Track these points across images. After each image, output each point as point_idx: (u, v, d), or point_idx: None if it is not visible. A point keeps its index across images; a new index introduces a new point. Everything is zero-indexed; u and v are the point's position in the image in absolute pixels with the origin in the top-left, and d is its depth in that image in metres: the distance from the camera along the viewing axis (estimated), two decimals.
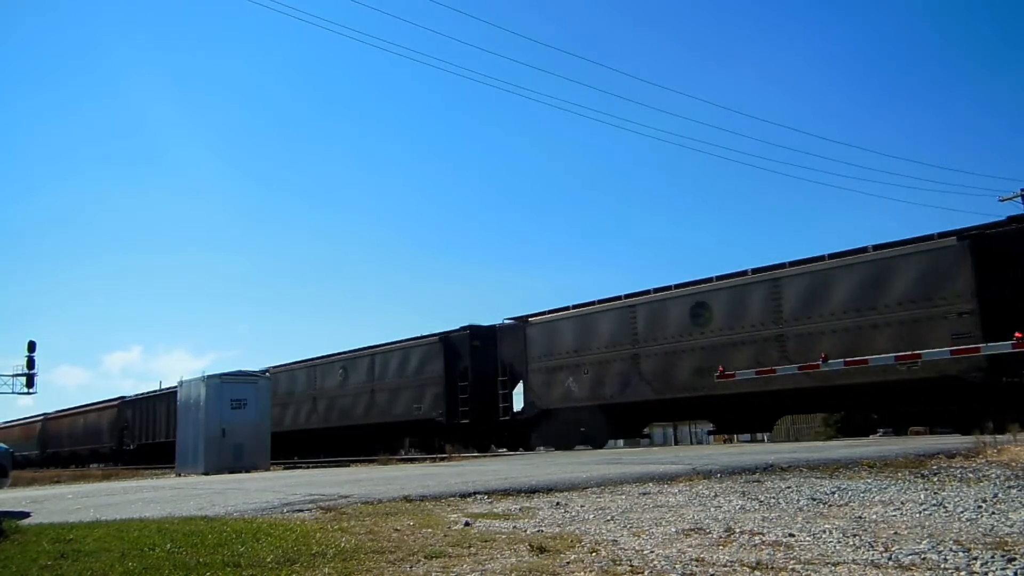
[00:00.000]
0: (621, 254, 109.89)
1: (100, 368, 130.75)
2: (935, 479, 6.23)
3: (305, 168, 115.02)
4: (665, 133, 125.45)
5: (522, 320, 21.30)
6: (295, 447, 28.26)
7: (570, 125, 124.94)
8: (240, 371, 20.99)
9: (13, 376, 42.58)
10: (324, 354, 28.35)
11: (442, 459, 17.46)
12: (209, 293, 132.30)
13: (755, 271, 16.45)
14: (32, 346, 38.24)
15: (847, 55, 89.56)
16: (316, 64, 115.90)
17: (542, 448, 20.29)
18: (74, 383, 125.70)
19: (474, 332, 22.83)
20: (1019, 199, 29.46)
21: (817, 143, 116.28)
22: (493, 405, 21.79)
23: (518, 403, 21.71)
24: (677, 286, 17.87)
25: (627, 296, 18.88)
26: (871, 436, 16.41)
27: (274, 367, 29.73)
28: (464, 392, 22.09)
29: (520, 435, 21.44)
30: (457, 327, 23.28)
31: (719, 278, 17.00)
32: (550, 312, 20.79)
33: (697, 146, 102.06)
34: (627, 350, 18.33)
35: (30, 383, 39.56)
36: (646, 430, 22.74)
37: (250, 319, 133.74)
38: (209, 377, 19.14)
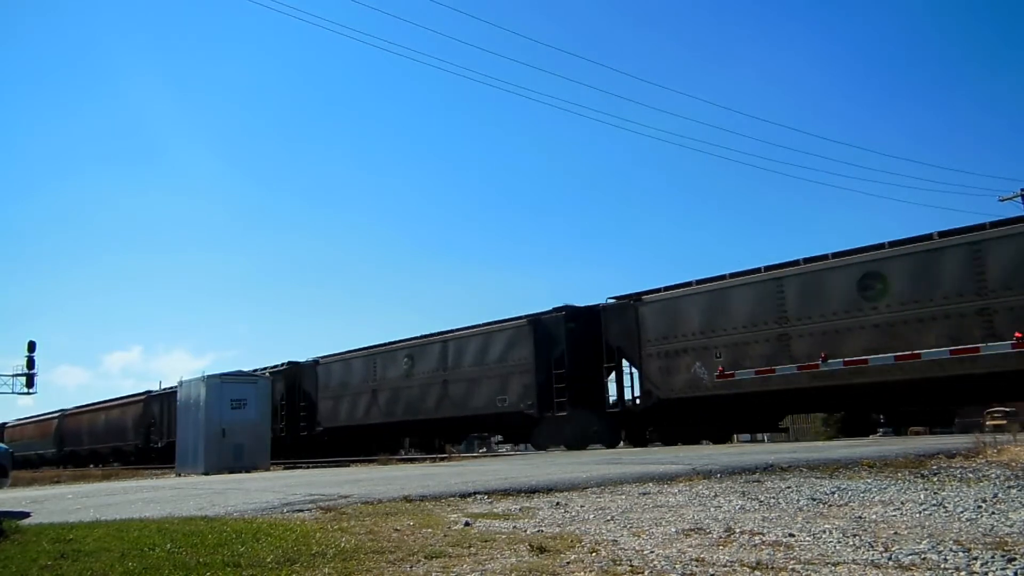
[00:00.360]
0: (621, 254, 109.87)
1: (100, 368, 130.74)
2: (935, 479, 6.23)
3: (305, 168, 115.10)
4: (665, 133, 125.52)
5: (633, 298, 18.89)
6: (351, 443, 26.10)
7: (570, 125, 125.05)
8: (240, 371, 21.03)
9: (13, 376, 42.61)
10: (385, 341, 25.88)
11: (442, 459, 17.46)
12: (209, 293, 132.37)
13: (942, 234, 14.37)
14: (32, 346, 38.27)
15: (847, 55, 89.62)
16: (316, 64, 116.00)
17: (657, 444, 18.41)
18: (74, 383, 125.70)
19: (570, 313, 20.33)
20: (1019, 199, 29.49)
21: (817, 143, 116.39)
22: (594, 395, 19.69)
23: (628, 392, 19.58)
24: (836, 255, 15.71)
25: (769, 268, 16.56)
26: (871, 436, 16.43)
27: (324, 356, 27.86)
28: (560, 381, 19.50)
29: (632, 429, 19.45)
30: (549, 308, 20.95)
31: (893, 244, 14.95)
32: (668, 289, 18.42)
33: (697, 146, 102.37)
34: (772, 329, 15.99)
35: (30, 383, 39.56)
36: (783, 423, 20.33)
37: (250, 319, 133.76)
38: (209, 377, 19.16)
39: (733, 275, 17.19)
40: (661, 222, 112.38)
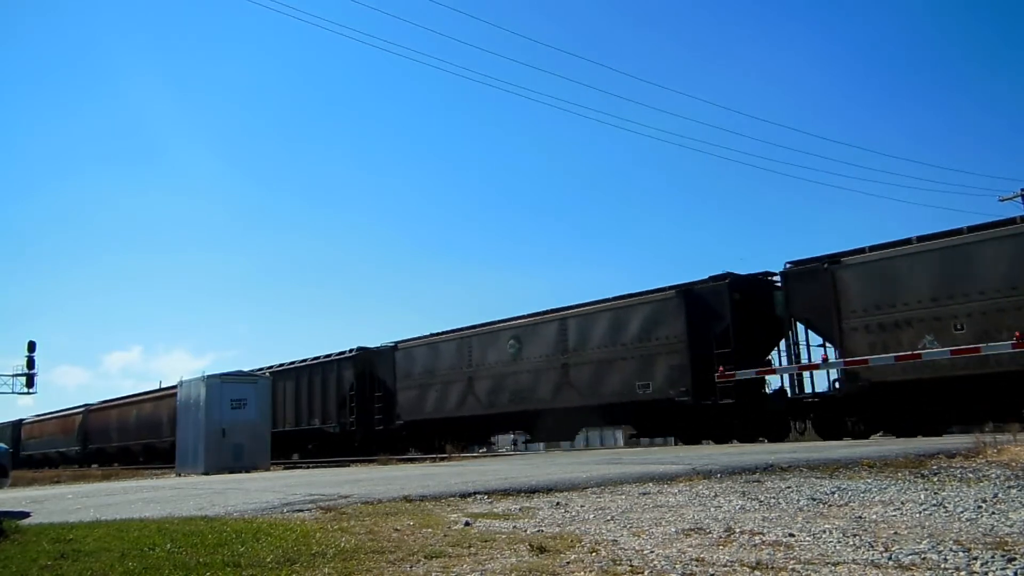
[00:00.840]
0: (621, 254, 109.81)
1: (100, 368, 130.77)
2: (935, 479, 6.23)
3: (305, 168, 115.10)
4: (665, 133, 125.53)
5: (827, 261, 16.09)
6: (438, 437, 23.20)
7: (570, 125, 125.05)
8: (240, 371, 21.04)
9: (13, 376, 42.73)
10: (482, 322, 22.30)
11: (442, 459, 17.46)
12: (209, 293, 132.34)
13: None
14: (32, 346, 38.42)
15: (847, 55, 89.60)
16: (316, 64, 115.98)
17: (847, 437, 15.67)
18: (74, 383, 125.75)
19: (735, 281, 17.35)
20: (1019, 199, 29.49)
21: (818, 143, 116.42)
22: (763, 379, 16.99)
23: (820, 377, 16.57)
24: None
25: None
26: (871, 436, 16.39)
27: (403, 341, 24.93)
28: (727, 361, 16.37)
29: (825, 418, 16.50)
30: (706, 276, 17.83)
31: None
32: (876, 248, 15.46)
33: (697, 146, 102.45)
34: None
35: (30, 383, 39.71)
36: None
37: (250, 319, 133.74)
38: (209, 377, 19.17)
39: (973, 228, 14.50)
40: (661, 222, 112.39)
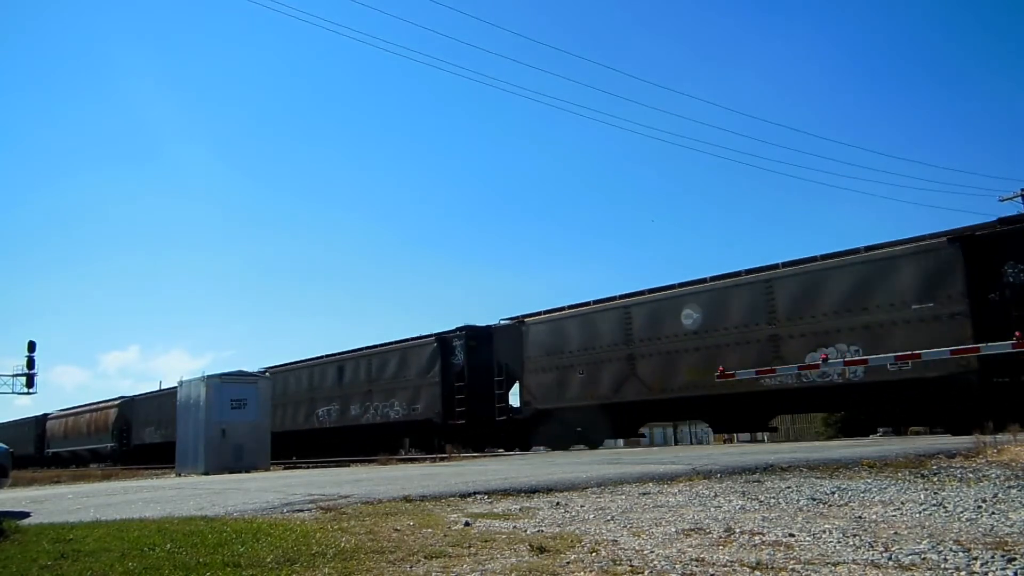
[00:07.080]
0: (621, 254, 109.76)
1: (98, 368, 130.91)
2: (935, 479, 6.23)
3: (303, 168, 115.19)
4: (665, 133, 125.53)
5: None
6: None
7: (570, 125, 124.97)
8: (240, 371, 21.01)
9: (13, 376, 42.66)
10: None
11: (442, 459, 17.45)
12: (208, 293, 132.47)
13: None
14: (32, 346, 38.38)
15: (847, 55, 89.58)
16: (315, 64, 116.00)
17: None
18: (72, 383, 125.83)
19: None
20: (1019, 199, 29.50)
21: (816, 143, 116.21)
22: None
23: None
24: None
25: None
26: (871, 436, 16.41)
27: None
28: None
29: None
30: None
31: None
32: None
33: (696, 145, 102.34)
34: None
35: (30, 383, 39.67)
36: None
37: (249, 319, 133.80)
38: (209, 377, 19.14)
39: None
40: (661, 222, 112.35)
